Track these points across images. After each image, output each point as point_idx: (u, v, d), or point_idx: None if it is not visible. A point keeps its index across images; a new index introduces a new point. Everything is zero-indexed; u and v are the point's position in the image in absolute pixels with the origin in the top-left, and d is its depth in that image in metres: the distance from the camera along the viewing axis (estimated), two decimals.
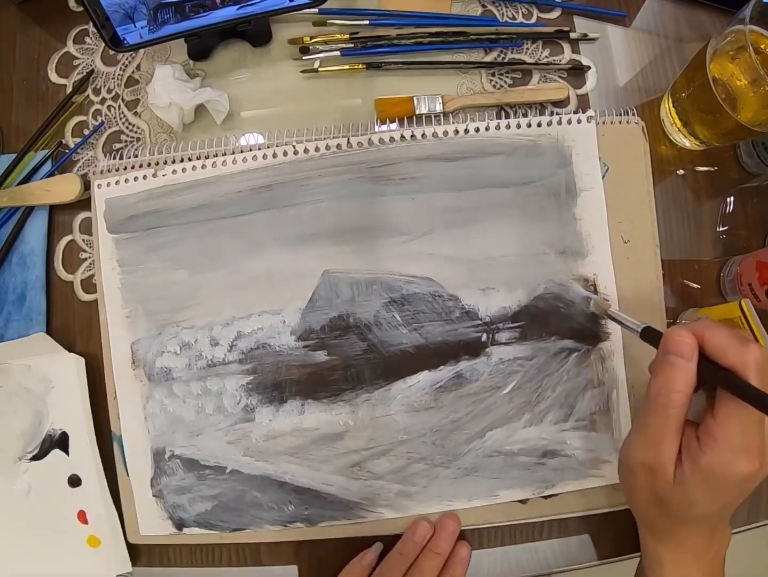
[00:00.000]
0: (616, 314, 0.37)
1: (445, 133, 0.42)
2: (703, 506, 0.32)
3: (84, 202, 0.46)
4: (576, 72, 0.46)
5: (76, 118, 0.49)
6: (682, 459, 0.31)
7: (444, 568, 0.39)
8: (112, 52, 0.49)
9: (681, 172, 0.45)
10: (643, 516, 0.36)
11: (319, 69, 0.47)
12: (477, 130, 0.42)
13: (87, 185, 0.46)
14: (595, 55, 0.47)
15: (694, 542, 0.34)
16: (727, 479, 0.30)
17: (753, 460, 0.29)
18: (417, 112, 0.45)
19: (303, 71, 0.47)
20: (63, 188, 0.46)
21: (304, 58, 0.47)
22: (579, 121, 0.42)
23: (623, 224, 0.41)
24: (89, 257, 0.47)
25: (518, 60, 0.47)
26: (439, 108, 0.45)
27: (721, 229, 0.45)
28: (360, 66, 0.46)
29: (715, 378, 0.30)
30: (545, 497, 0.41)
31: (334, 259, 0.42)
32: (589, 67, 0.46)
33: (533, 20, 0.47)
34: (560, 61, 0.47)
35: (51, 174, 0.47)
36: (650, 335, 0.33)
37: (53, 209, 0.47)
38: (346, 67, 0.46)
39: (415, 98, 0.45)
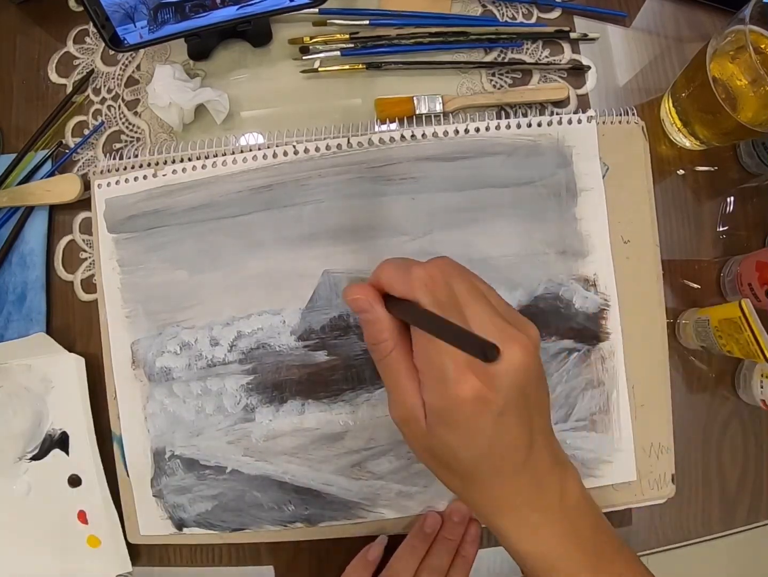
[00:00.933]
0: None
1: (445, 133, 0.42)
2: (466, 448, 0.28)
3: (84, 202, 0.46)
4: (576, 72, 0.46)
5: (76, 118, 0.49)
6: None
7: (456, 550, 0.39)
8: (112, 52, 0.49)
9: (681, 172, 0.45)
10: (446, 484, 0.31)
11: (319, 69, 0.47)
12: (477, 130, 0.42)
13: (87, 185, 0.46)
14: (595, 55, 0.47)
15: (510, 495, 0.29)
16: (456, 409, 0.26)
17: (465, 377, 0.26)
18: (417, 112, 0.45)
19: (303, 71, 0.47)
20: (63, 188, 0.46)
21: (304, 58, 0.47)
22: (579, 121, 0.42)
23: (623, 224, 0.41)
24: (89, 257, 0.47)
25: (518, 60, 0.47)
26: (439, 108, 0.45)
27: (721, 229, 0.45)
28: (360, 66, 0.46)
29: (398, 312, 0.29)
30: None
31: (334, 259, 0.42)
32: (589, 67, 0.46)
33: (533, 20, 0.47)
34: (560, 61, 0.47)
35: (51, 174, 0.47)
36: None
37: (53, 209, 0.47)
38: (346, 67, 0.46)
39: (415, 98, 0.45)
